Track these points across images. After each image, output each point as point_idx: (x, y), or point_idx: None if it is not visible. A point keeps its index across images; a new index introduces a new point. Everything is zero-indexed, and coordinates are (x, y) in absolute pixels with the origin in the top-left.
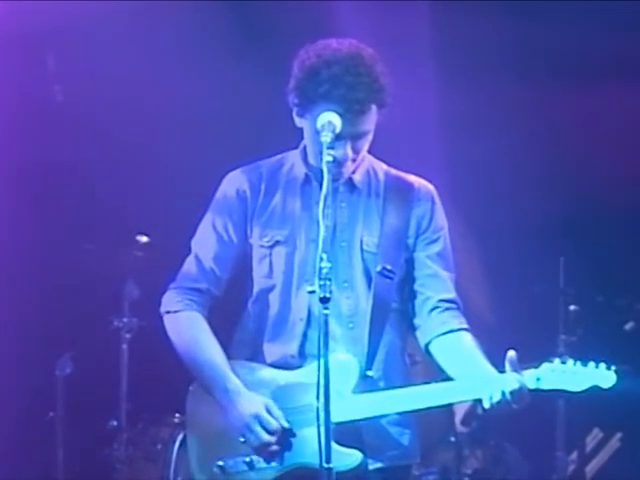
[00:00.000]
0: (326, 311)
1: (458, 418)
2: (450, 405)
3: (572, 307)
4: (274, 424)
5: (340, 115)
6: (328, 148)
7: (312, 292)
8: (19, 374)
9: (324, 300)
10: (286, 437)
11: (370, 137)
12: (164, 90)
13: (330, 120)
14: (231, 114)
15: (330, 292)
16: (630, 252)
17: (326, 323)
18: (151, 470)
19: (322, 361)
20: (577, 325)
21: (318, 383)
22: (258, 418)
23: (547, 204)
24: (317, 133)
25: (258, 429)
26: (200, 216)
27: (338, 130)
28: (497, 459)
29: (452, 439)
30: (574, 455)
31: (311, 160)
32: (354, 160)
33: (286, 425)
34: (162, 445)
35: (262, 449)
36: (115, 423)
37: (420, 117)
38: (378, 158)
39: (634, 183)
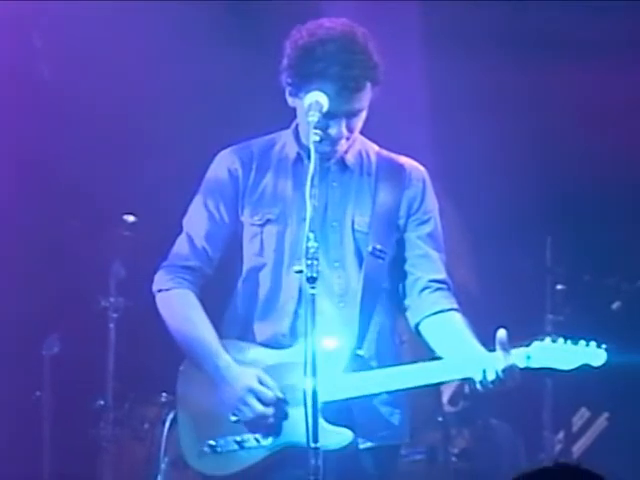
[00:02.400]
0: (313, 290)
1: (445, 398)
2: (440, 384)
3: (559, 286)
4: (269, 394)
5: (335, 93)
6: (315, 127)
7: (299, 272)
8: (5, 353)
9: (311, 280)
10: (281, 407)
11: (364, 115)
12: (152, 69)
13: (317, 100)
14: (219, 95)
15: (317, 272)
16: (617, 231)
17: (313, 302)
18: (138, 449)
19: (310, 340)
20: (564, 304)
21: (305, 362)
22: (252, 390)
23: (535, 183)
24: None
25: (253, 401)
26: (187, 196)
27: (325, 109)
28: (484, 438)
29: (439, 419)
30: (561, 435)
31: (303, 139)
32: (348, 138)
33: (280, 395)
34: (149, 424)
35: (258, 422)
36: (102, 402)
37: (409, 98)
38: (369, 139)
39: (622, 162)
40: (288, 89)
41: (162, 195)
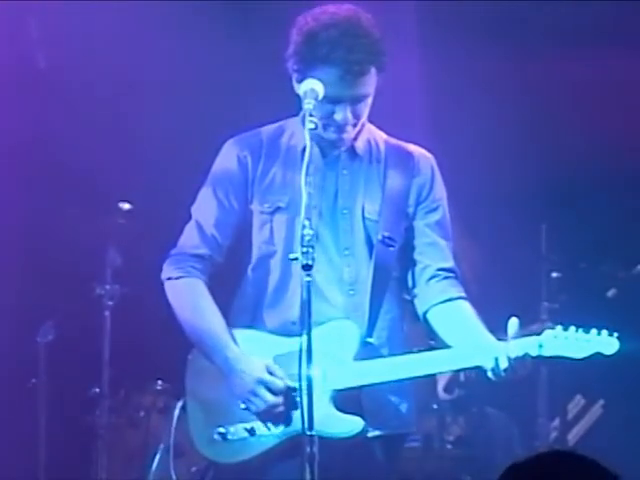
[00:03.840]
0: (308, 278)
1: (441, 386)
2: (452, 372)
3: (554, 274)
4: (279, 384)
5: (339, 77)
6: (310, 115)
7: (295, 259)
8: (1, 341)
9: (306, 267)
10: (291, 396)
11: (370, 102)
12: (148, 57)
13: (312, 87)
14: (218, 84)
15: (313, 259)
16: (613, 218)
17: (309, 290)
18: (133, 437)
19: (306, 329)
20: (560, 292)
21: (300, 350)
22: (261, 381)
23: (530, 170)
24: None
25: (263, 392)
26: (184, 185)
27: (321, 97)
28: (480, 426)
29: (435, 406)
30: (556, 422)
31: None
32: (355, 125)
33: (290, 384)
34: (144, 412)
35: (269, 412)
36: (97, 390)
37: (406, 85)
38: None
39: (616, 149)
40: (295, 76)
41: (158, 183)
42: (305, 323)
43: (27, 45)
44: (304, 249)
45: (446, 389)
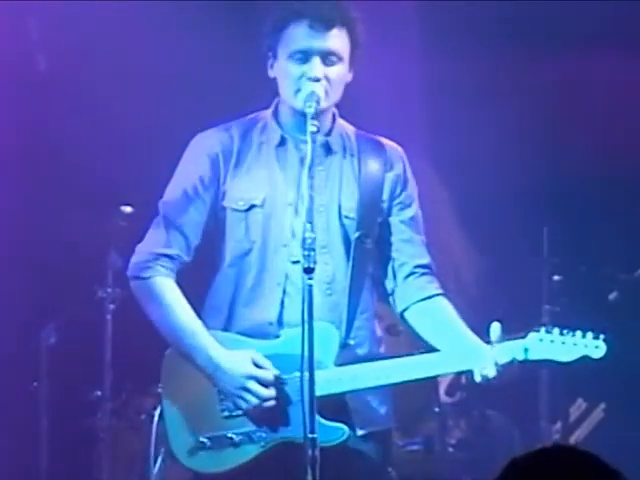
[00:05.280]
0: (310, 281)
1: (442, 388)
2: (438, 377)
3: (556, 277)
4: (268, 375)
5: (309, 26)
6: (312, 118)
7: (296, 262)
8: (2, 344)
9: (308, 270)
10: (281, 386)
11: (342, 72)
12: (149, 57)
13: (313, 90)
14: (217, 82)
15: (314, 262)
16: (614, 221)
17: (310, 293)
18: (134, 440)
19: (306, 332)
20: (561, 295)
21: (302, 355)
22: (251, 376)
23: (530, 172)
24: (289, 58)
25: (255, 386)
26: None
27: (323, 101)
28: (481, 429)
29: (436, 409)
30: (558, 425)
31: (283, 119)
32: (327, 94)
33: (277, 372)
34: (146, 415)
35: (262, 406)
36: (99, 393)
37: (403, 83)
38: (365, 125)
39: (617, 151)
40: (270, 54)
41: (159, 185)
42: (306, 327)
43: (27, 46)
44: (305, 252)
45: (447, 392)
